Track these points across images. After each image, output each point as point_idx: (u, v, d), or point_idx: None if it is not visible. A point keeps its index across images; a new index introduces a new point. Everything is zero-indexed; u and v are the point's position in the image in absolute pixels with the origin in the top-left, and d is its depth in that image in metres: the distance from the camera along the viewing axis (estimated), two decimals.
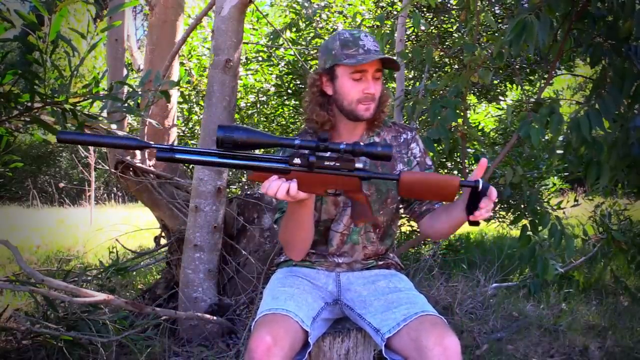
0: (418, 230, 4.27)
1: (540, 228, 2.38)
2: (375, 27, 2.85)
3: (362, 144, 1.14)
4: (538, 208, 2.48)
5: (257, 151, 1.40)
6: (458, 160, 3.70)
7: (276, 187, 1.11)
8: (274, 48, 4.03)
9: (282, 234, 1.37)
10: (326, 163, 1.15)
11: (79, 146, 6.91)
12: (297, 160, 1.14)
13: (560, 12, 1.95)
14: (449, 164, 3.92)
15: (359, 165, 1.18)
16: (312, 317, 1.29)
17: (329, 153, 1.16)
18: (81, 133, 1.08)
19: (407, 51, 2.57)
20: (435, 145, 2.39)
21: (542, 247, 2.39)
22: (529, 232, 2.41)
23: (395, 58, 1.33)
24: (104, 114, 1.93)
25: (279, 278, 1.46)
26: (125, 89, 1.95)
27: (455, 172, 3.84)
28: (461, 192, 1.25)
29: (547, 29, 1.79)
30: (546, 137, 2.59)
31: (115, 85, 1.82)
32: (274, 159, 1.15)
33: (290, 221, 1.31)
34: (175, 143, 3.10)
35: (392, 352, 1.23)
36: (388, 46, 3.06)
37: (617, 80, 1.93)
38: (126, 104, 1.86)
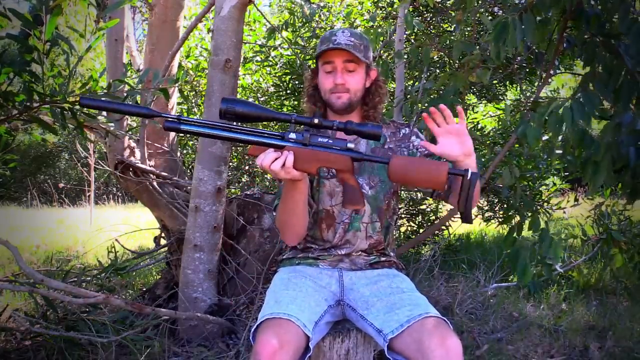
0: (418, 230, 4.28)
1: (531, 231, 2.38)
2: (372, 26, 2.85)
3: (353, 122, 1.21)
4: (533, 210, 2.48)
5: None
6: None
7: (271, 159, 1.16)
8: (273, 48, 4.03)
9: (278, 218, 1.41)
10: (320, 140, 1.21)
11: (80, 145, 6.91)
12: (292, 135, 1.20)
13: (547, 12, 1.95)
14: None
15: (350, 145, 1.22)
16: (314, 322, 1.29)
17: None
18: (101, 99, 1.17)
19: (405, 51, 2.57)
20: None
21: (526, 249, 2.38)
22: (514, 234, 2.41)
23: (355, 53, 1.39)
24: (103, 113, 1.93)
25: (282, 279, 1.45)
26: (125, 88, 1.95)
27: None
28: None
29: (531, 29, 1.79)
30: (545, 137, 2.59)
31: (114, 83, 1.82)
32: (271, 134, 1.20)
33: (285, 205, 1.34)
34: (174, 143, 3.10)
35: (394, 353, 1.23)
36: (378, 45, 3.05)
37: (604, 75, 1.93)
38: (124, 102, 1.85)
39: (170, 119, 1.15)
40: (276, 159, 1.16)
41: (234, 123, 1.18)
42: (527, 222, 2.46)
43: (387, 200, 1.49)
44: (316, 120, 1.19)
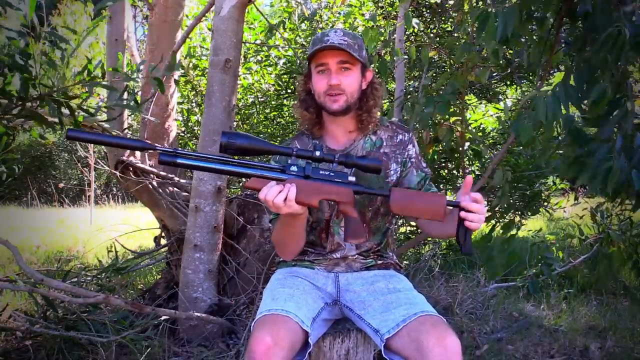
0: (418, 230, 4.27)
1: (530, 231, 2.37)
2: (372, 26, 2.85)
3: (354, 156, 1.21)
4: (519, 212, 2.47)
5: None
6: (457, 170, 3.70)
7: (275, 192, 1.14)
8: (273, 47, 4.03)
9: (275, 236, 1.41)
10: (321, 172, 1.20)
11: (80, 145, 6.92)
12: (293, 168, 1.19)
13: (536, 6, 1.94)
14: (449, 165, 3.92)
15: (351, 179, 1.22)
16: (311, 318, 1.29)
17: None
18: (89, 132, 1.12)
19: (405, 51, 2.57)
20: (434, 146, 2.39)
21: (539, 248, 2.37)
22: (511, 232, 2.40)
23: (349, 51, 1.33)
24: (103, 110, 1.92)
25: (278, 279, 1.45)
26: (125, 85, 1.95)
27: (455, 172, 3.84)
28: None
29: (513, 20, 1.76)
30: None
31: (109, 72, 1.81)
32: (272, 167, 1.18)
33: (283, 230, 1.34)
34: (175, 143, 3.09)
35: (391, 353, 1.22)
36: (379, 44, 3.04)
37: (585, 69, 1.92)
38: (125, 100, 1.85)
39: (166, 152, 1.12)
40: (280, 192, 1.14)
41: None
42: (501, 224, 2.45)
43: (370, 207, 1.46)
44: (317, 154, 1.18)
